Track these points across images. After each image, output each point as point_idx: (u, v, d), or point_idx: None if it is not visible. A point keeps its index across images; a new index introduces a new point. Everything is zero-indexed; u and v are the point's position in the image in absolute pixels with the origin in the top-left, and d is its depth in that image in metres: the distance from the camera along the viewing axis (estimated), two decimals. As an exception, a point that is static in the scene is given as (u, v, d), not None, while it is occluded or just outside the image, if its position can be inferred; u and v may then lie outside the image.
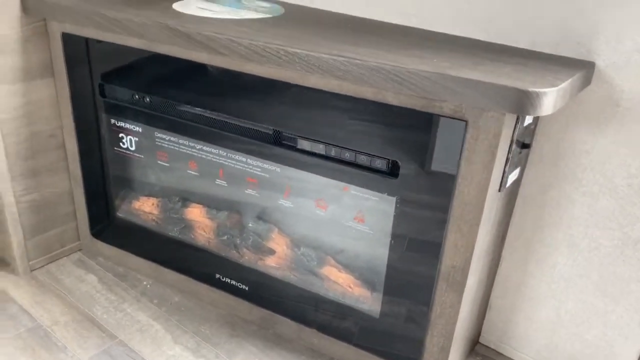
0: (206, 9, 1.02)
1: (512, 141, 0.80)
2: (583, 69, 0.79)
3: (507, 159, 0.81)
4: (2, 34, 1.03)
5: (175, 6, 1.03)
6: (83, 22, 0.99)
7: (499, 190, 0.84)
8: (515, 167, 0.87)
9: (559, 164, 0.90)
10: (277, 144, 0.94)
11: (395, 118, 0.81)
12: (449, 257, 0.86)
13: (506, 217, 0.97)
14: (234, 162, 1.01)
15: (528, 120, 0.82)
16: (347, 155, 0.88)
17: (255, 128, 0.95)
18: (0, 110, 1.08)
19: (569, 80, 0.72)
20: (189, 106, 1.00)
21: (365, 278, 0.98)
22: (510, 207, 0.97)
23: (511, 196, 0.95)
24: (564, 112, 0.87)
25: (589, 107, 0.85)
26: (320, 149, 0.90)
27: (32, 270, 1.24)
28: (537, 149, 0.92)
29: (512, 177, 0.87)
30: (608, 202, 0.88)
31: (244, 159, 1.00)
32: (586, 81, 0.81)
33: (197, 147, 1.04)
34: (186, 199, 1.14)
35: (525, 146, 0.86)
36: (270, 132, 0.94)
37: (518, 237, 1.00)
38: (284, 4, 1.12)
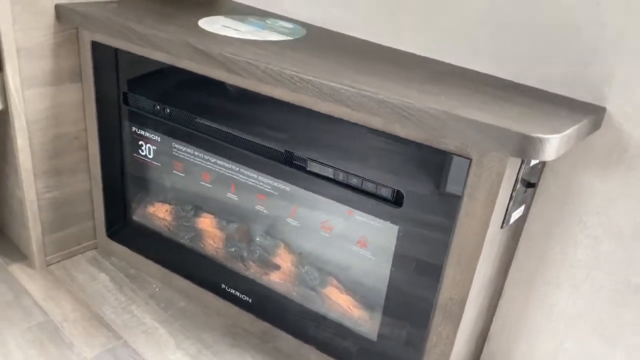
0: (230, 28, 1.06)
1: (516, 180, 0.81)
2: (592, 114, 0.80)
3: (511, 197, 0.82)
4: (37, 41, 1.08)
5: (201, 23, 1.07)
6: (112, 34, 1.03)
7: (502, 227, 0.85)
8: (520, 205, 0.88)
9: (565, 204, 0.91)
10: (287, 163, 0.97)
11: (403, 149, 0.83)
12: (447, 289, 0.87)
13: (509, 251, 0.98)
14: (245, 177, 1.04)
15: (534, 160, 0.83)
16: (354, 181, 0.90)
17: (267, 146, 0.97)
18: (30, 111, 1.13)
19: (575, 127, 0.73)
20: (206, 120, 1.03)
21: (365, 301, 1.00)
22: (514, 242, 0.98)
23: (516, 231, 0.96)
24: (572, 154, 0.88)
25: (598, 151, 0.85)
26: (328, 172, 0.92)
27: (48, 265, 1.29)
28: (544, 187, 0.92)
29: (517, 214, 0.88)
30: (612, 246, 0.88)
31: (255, 176, 1.02)
32: (596, 125, 0.82)
33: (212, 160, 1.07)
34: (198, 208, 1.18)
35: (530, 185, 0.87)
36: (282, 152, 0.96)
37: (521, 272, 1.00)
38: (307, 26, 1.15)
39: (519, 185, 0.82)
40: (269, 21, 1.15)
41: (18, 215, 1.27)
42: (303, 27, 1.14)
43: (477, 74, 0.94)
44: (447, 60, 0.99)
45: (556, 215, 0.92)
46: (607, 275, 0.90)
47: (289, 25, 1.14)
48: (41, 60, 1.11)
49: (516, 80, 0.91)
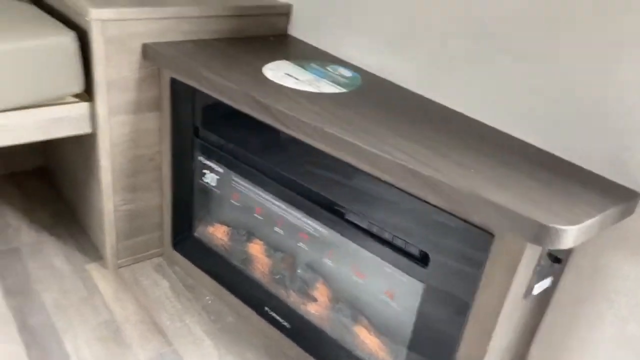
0: (291, 76, 1.14)
1: (540, 257, 0.83)
2: (624, 201, 0.80)
3: (534, 271, 0.85)
4: (124, 75, 1.23)
5: (265, 69, 1.16)
6: (186, 75, 1.16)
7: (524, 297, 0.88)
8: (546, 277, 0.90)
9: (594, 282, 0.91)
10: (328, 210, 1.04)
11: (432, 214, 0.87)
12: (465, 349, 0.91)
13: (535, 318, 0.99)
14: (291, 216, 1.13)
15: (560, 239, 0.85)
16: (386, 235, 0.96)
17: (312, 191, 1.05)
18: (114, 135, 1.28)
19: (597, 218, 0.75)
20: (261, 160, 1.13)
21: (389, 346, 1.05)
22: (541, 310, 0.99)
23: (543, 300, 0.97)
24: (602, 236, 0.88)
25: (629, 235, 0.85)
26: (363, 223, 0.99)
27: (119, 268, 1.46)
28: (573, 262, 0.93)
29: (542, 285, 0.90)
30: (638, 328, 0.88)
31: (299, 216, 1.11)
32: (627, 212, 0.82)
33: (263, 197, 1.17)
34: (251, 234, 1.28)
35: (557, 260, 0.89)
36: (324, 199, 1.04)
37: (547, 340, 1.01)
38: (364, 73, 1.21)
39: (543, 261, 0.84)
40: (330, 68, 1.23)
41: (98, 222, 1.44)
42: (360, 76, 1.20)
43: (518, 142, 0.96)
44: (491, 124, 1.01)
45: (584, 291, 0.93)
46: (632, 357, 0.89)
47: (347, 73, 1.21)
48: (127, 92, 1.25)
49: (556, 153, 0.93)
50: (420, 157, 0.86)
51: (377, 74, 1.23)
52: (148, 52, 1.22)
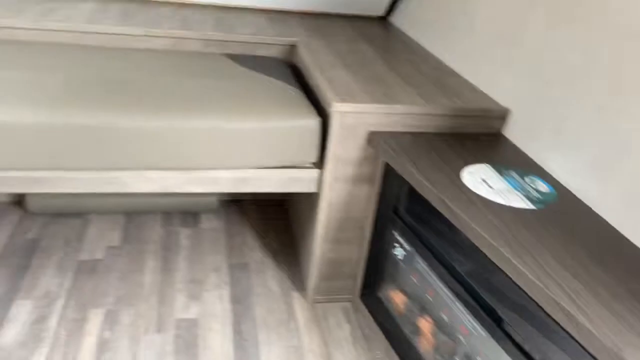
0: (485, 183, 1.27)
1: None
2: None
3: None
4: (349, 154, 1.51)
5: (464, 172, 1.31)
6: (396, 165, 1.38)
7: None
8: None
9: None
10: (488, 313, 1.14)
11: (577, 348, 0.91)
12: None
13: None
14: (456, 308, 1.25)
15: None
16: (536, 356, 1.02)
17: (477, 291, 1.16)
18: (333, 197, 1.57)
19: None
20: (441, 250, 1.28)
21: None
22: None
23: None
24: None
25: None
26: (517, 337, 1.06)
27: (315, 303, 1.75)
28: None
29: None
30: None
31: (463, 310, 1.22)
32: None
33: (436, 282, 1.32)
34: (423, 310, 1.43)
35: None
36: (486, 302, 1.14)
37: None
38: (562, 191, 1.26)
39: None
40: (527, 179, 1.31)
41: (307, 261, 1.76)
42: (556, 194, 1.26)
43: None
44: (678, 278, 0.99)
45: None
46: None
47: (545, 188, 1.28)
48: (348, 167, 1.54)
49: None
50: (575, 295, 0.91)
51: (577, 194, 1.27)
52: (372, 140, 1.48)
